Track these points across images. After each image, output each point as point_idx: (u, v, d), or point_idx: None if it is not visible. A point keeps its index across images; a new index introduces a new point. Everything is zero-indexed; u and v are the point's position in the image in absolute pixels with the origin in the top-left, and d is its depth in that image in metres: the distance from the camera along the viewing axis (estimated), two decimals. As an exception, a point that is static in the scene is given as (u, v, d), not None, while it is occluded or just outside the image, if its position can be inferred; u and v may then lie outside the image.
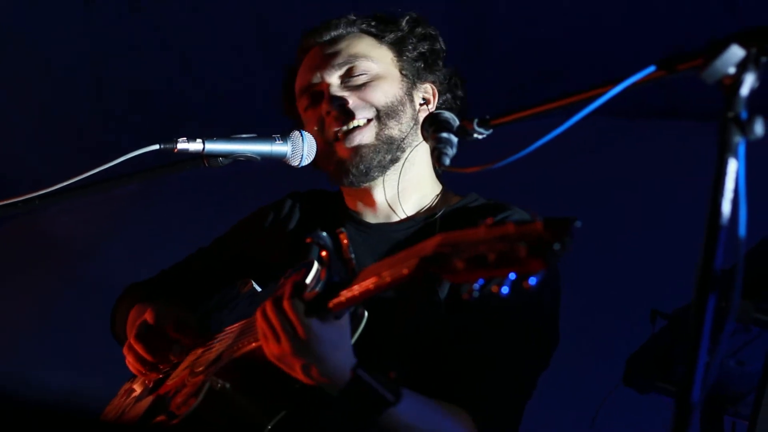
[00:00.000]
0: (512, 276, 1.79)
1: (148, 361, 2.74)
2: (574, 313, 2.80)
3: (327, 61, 2.82)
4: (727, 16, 5.18)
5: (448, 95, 2.90)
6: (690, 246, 1.74)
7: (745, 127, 1.63)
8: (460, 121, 2.22)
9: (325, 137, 2.77)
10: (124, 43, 5.89)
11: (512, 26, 5.63)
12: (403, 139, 2.77)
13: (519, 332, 2.57)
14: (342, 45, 2.85)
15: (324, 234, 2.26)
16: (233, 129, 2.66)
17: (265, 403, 2.40)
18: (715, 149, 1.65)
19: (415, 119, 2.81)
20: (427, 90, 2.88)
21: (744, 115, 1.64)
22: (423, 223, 2.78)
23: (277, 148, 2.68)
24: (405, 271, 2.00)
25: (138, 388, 2.80)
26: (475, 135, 2.16)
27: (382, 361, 2.39)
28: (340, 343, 2.27)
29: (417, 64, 2.86)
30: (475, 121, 2.15)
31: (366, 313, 2.32)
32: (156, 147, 2.49)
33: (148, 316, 2.75)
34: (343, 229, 2.30)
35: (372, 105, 2.76)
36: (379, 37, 2.87)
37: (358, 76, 2.79)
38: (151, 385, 2.74)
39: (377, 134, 2.75)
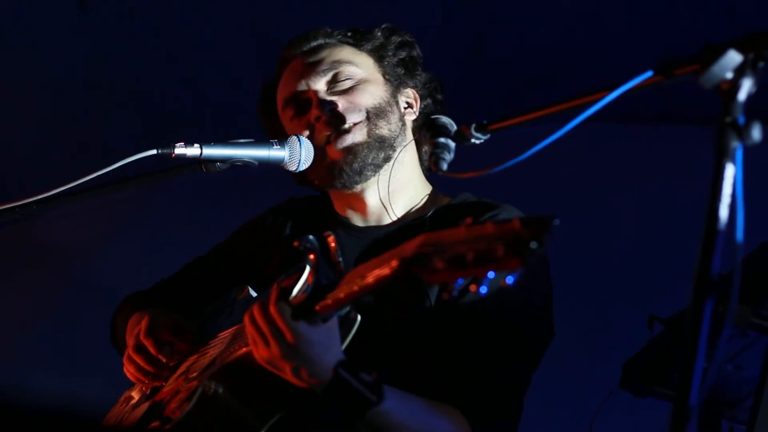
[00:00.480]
0: (491, 275, 1.80)
1: (149, 372, 2.75)
2: (571, 318, 2.80)
3: (311, 68, 2.84)
4: (726, 20, 5.19)
5: (429, 100, 2.93)
6: (687, 251, 1.74)
7: (742, 132, 1.63)
8: (457, 125, 2.22)
9: (316, 143, 2.77)
10: (122, 47, 5.89)
11: (510, 30, 5.63)
12: (394, 138, 2.79)
13: (510, 331, 2.58)
14: (324, 53, 2.87)
15: (311, 237, 2.26)
16: (231, 133, 2.67)
17: (258, 408, 2.40)
18: (712, 154, 1.65)
19: (402, 121, 2.85)
20: (409, 95, 2.91)
21: (741, 120, 1.64)
22: (412, 223, 2.79)
23: (274, 153, 2.68)
24: (387, 271, 2.01)
25: (136, 396, 2.81)
26: (473, 140, 2.17)
27: (374, 363, 2.39)
28: (329, 345, 2.28)
29: (398, 70, 2.90)
30: (473, 125, 2.15)
31: (358, 317, 2.33)
32: (153, 152, 2.49)
33: (143, 326, 2.75)
34: (330, 232, 2.30)
35: (361, 107, 2.79)
36: (358, 45, 2.90)
37: (343, 81, 2.82)
38: (148, 392, 2.75)
39: (369, 133, 2.77)
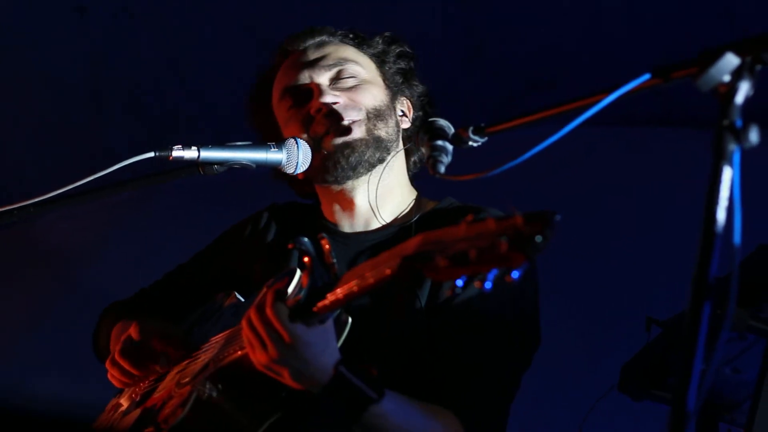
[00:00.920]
0: (495, 271, 1.80)
1: (134, 375, 2.75)
2: (569, 321, 2.80)
3: (316, 62, 2.85)
4: (724, 23, 5.19)
5: (421, 112, 2.94)
6: (685, 253, 1.74)
7: (740, 135, 1.63)
8: (455, 128, 2.22)
9: (312, 134, 2.77)
10: (122, 48, 5.90)
11: (509, 33, 5.63)
12: (390, 142, 2.81)
13: (500, 333, 2.59)
14: (330, 49, 2.89)
15: (306, 240, 2.26)
16: (228, 136, 2.67)
17: (254, 411, 2.40)
18: (710, 157, 1.65)
19: (398, 127, 2.86)
20: (404, 104, 2.93)
21: (739, 123, 1.64)
22: (398, 228, 2.80)
23: (272, 155, 2.68)
24: (387, 271, 2.01)
25: (125, 403, 2.80)
26: (470, 143, 2.17)
27: (366, 362, 2.39)
28: (325, 346, 2.28)
29: (396, 78, 2.92)
30: (470, 128, 2.15)
31: (349, 320, 2.33)
32: (151, 154, 2.49)
33: (133, 332, 2.76)
34: (324, 235, 2.30)
35: (362, 106, 2.80)
36: (360, 47, 2.92)
37: (347, 78, 2.83)
38: (138, 399, 2.74)
39: (367, 132, 2.78)
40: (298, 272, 2.30)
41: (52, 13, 5.68)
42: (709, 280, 1.60)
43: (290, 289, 2.30)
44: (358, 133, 2.76)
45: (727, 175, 1.63)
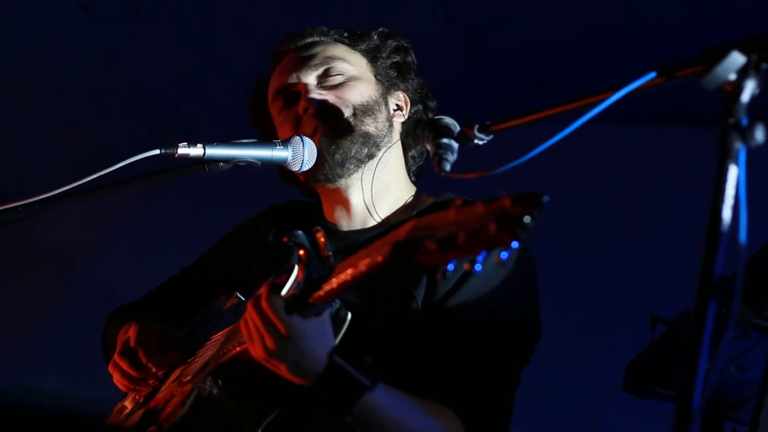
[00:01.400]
0: (484, 253, 1.80)
1: (134, 377, 2.76)
2: (574, 319, 2.80)
3: (303, 62, 2.87)
4: (728, 22, 5.19)
5: (420, 105, 2.95)
6: (690, 252, 1.74)
7: (745, 134, 1.63)
8: (460, 126, 2.22)
9: (301, 134, 2.77)
10: (123, 48, 5.90)
11: (510, 33, 5.63)
12: (381, 137, 2.80)
13: (499, 329, 2.59)
14: (318, 49, 2.90)
15: (300, 233, 2.27)
16: (229, 136, 2.67)
17: (255, 406, 2.41)
18: (715, 155, 1.65)
19: (390, 122, 2.86)
20: (399, 98, 2.93)
21: (744, 121, 1.64)
22: (395, 225, 2.79)
23: (277, 153, 2.69)
24: (379, 258, 2.01)
25: (129, 405, 2.81)
26: (476, 140, 2.17)
27: (361, 352, 2.39)
28: (322, 338, 2.29)
29: (390, 72, 2.92)
30: (476, 126, 2.15)
31: (349, 315, 2.34)
32: (157, 152, 2.50)
33: (132, 334, 2.77)
34: (319, 228, 2.31)
35: (349, 103, 2.80)
36: (352, 45, 2.93)
37: (334, 76, 2.84)
38: (141, 400, 2.75)
39: (354, 128, 2.78)
40: (296, 267, 2.31)
41: (53, 11, 5.68)
42: (714, 279, 1.60)
43: (288, 283, 2.31)
44: (343, 128, 2.77)
45: (733, 173, 1.63)
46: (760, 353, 3.50)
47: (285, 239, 2.28)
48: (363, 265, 2.07)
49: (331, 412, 2.33)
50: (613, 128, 4.76)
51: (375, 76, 2.89)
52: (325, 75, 2.84)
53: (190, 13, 5.75)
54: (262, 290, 2.30)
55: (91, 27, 5.77)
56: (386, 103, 2.88)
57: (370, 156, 2.79)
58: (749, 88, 1.67)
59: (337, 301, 2.31)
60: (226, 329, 2.61)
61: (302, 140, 2.72)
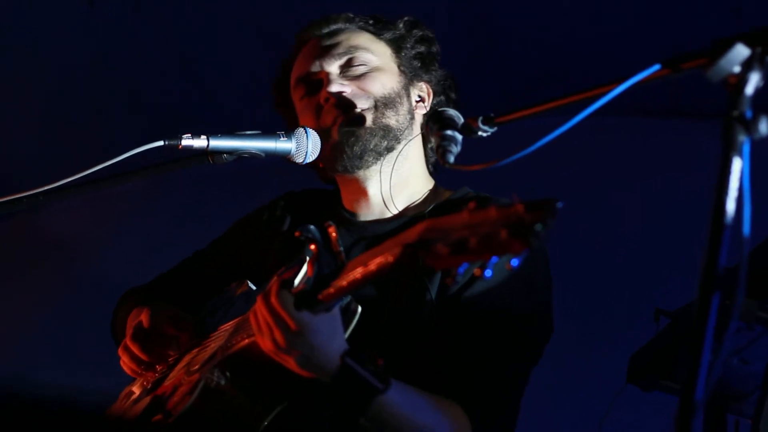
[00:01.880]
0: (494, 259, 1.79)
1: (144, 361, 2.76)
2: (577, 312, 2.80)
3: (327, 51, 2.85)
4: (732, 17, 5.18)
5: (443, 97, 2.93)
6: (694, 244, 1.74)
7: (749, 126, 1.63)
8: (464, 118, 2.22)
9: (321, 124, 2.77)
10: (124, 43, 5.90)
11: (515, 28, 5.63)
12: (401, 130, 2.79)
13: (511, 327, 2.58)
14: (342, 37, 2.87)
15: (312, 227, 2.27)
16: (233, 130, 2.67)
17: (262, 398, 2.41)
18: (719, 147, 1.65)
19: (411, 114, 2.84)
20: (422, 89, 2.91)
21: (749, 114, 1.64)
22: (411, 218, 2.79)
23: (281, 144, 2.68)
24: (390, 258, 2.01)
25: (137, 390, 2.81)
26: (480, 132, 2.17)
27: (373, 352, 2.39)
28: (332, 333, 2.28)
29: (414, 63, 2.89)
30: (480, 118, 2.15)
31: (359, 308, 2.33)
32: (160, 143, 2.49)
33: (144, 318, 2.76)
34: (331, 222, 2.30)
35: (370, 95, 2.79)
36: (377, 34, 2.90)
37: (357, 66, 2.82)
38: (149, 387, 2.75)
39: (374, 120, 2.77)
40: (308, 259, 2.31)
41: (54, 11, 5.68)
42: (717, 271, 1.60)
43: (298, 277, 2.31)
44: (363, 120, 2.76)
45: (737, 166, 1.63)
46: (764, 346, 3.50)
47: (297, 234, 2.27)
48: (373, 264, 2.06)
49: (341, 413, 2.34)
50: (617, 120, 4.76)
51: (398, 67, 2.87)
52: (348, 65, 2.83)
53: (193, 10, 5.75)
54: (272, 285, 2.30)
55: (93, 22, 5.77)
56: (408, 95, 2.86)
57: (390, 149, 2.78)
58: (753, 81, 1.66)
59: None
60: (236, 320, 2.61)
61: (306, 132, 2.71)
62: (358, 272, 2.10)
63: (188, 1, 5.74)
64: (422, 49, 2.91)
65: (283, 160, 2.79)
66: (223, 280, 2.89)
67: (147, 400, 2.69)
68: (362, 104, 2.77)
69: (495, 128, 2.15)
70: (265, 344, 2.31)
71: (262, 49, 5.62)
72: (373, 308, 2.45)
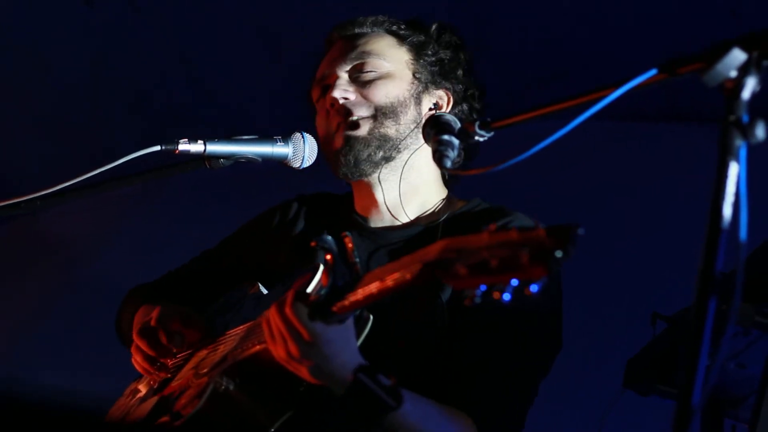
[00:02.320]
0: (514, 282, 1.79)
1: (154, 358, 2.75)
2: (575, 316, 2.80)
3: (342, 54, 2.87)
4: (730, 19, 5.18)
5: (464, 105, 2.90)
6: (691, 249, 1.74)
7: (746, 131, 1.63)
8: (461, 123, 2.22)
9: (328, 128, 2.79)
10: (124, 44, 5.89)
11: (514, 28, 5.63)
12: (400, 140, 2.78)
13: (520, 338, 2.57)
14: (360, 41, 2.88)
15: (329, 238, 2.26)
16: (233, 131, 2.67)
17: (270, 405, 2.41)
18: (716, 151, 1.65)
19: (418, 123, 2.81)
20: (441, 96, 2.88)
21: (745, 118, 1.64)
22: (424, 227, 2.79)
23: (278, 149, 2.68)
24: (408, 276, 2.01)
25: (143, 389, 2.81)
26: (477, 137, 2.17)
27: (385, 363, 2.39)
28: (345, 343, 2.28)
29: (433, 69, 2.87)
30: (477, 123, 2.15)
31: (371, 317, 2.33)
32: (157, 148, 2.49)
33: (154, 315, 2.77)
34: (348, 233, 2.30)
35: (371, 103, 2.79)
36: (401, 38, 2.89)
37: (366, 72, 2.83)
38: (156, 386, 2.75)
39: (370, 130, 2.77)
40: (322, 269, 2.31)
41: (55, 10, 5.68)
42: (714, 276, 1.59)
43: (311, 287, 2.31)
44: (361, 131, 2.76)
45: (734, 170, 1.63)
46: (760, 350, 3.50)
47: (313, 243, 2.27)
48: (390, 280, 2.06)
49: (350, 424, 2.34)
50: (614, 125, 4.77)
51: (413, 74, 2.86)
52: (358, 69, 2.83)
53: (194, 10, 5.74)
54: (287, 295, 2.29)
55: (92, 23, 5.77)
56: (419, 103, 2.84)
57: (387, 159, 2.78)
58: (750, 85, 1.66)
59: None
60: (247, 324, 2.61)
61: (303, 136, 2.72)
62: (374, 287, 2.10)
63: (188, 1, 5.74)
64: (446, 55, 2.89)
65: (280, 164, 2.79)
66: (231, 280, 2.89)
67: (154, 400, 2.69)
68: (361, 112, 2.77)
69: (492, 133, 2.15)
70: (278, 352, 2.31)
71: (262, 49, 5.62)
72: (386, 317, 2.45)
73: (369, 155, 2.75)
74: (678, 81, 1.79)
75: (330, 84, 2.84)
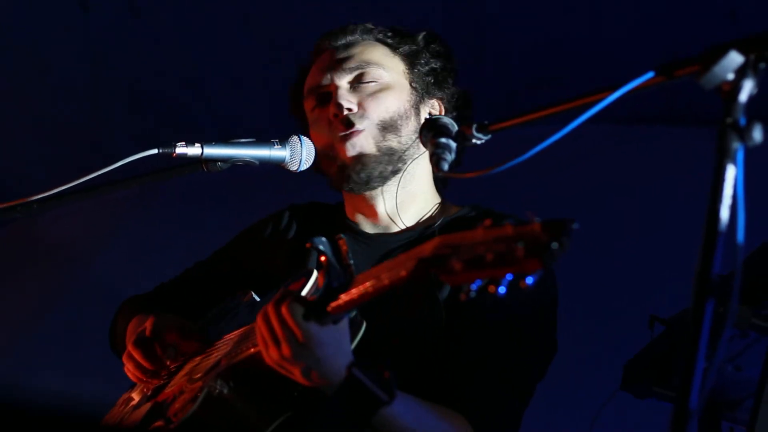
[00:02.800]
0: (509, 276, 1.79)
1: (147, 369, 2.75)
2: (573, 319, 2.80)
3: (339, 64, 2.84)
4: (727, 22, 5.19)
5: (455, 114, 2.90)
6: (688, 252, 1.74)
7: (743, 134, 1.63)
8: (458, 126, 2.22)
9: (331, 139, 2.77)
10: (123, 46, 5.89)
11: (510, 31, 5.63)
12: (404, 150, 2.78)
13: (517, 339, 2.57)
14: (356, 50, 2.86)
15: (323, 239, 2.26)
16: (231, 133, 2.67)
17: (264, 409, 2.40)
18: (713, 154, 1.65)
19: (416, 133, 2.80)
20: (434, 106, 2.89)
21: (743, 121, 1.64)
22: (420, 233, 2.79)
23: (275, 152, 2.68)
24: (403, 273, 2.01)
25: (136, 397, 2.80)
26: (474, 140, 2.16)
27: (379, 360, 2.39)
28: (339, 346, 2.27)
29: (427, 79, 2.87)
30: (474, 126, 2.15)
31: (364, 322, 2.33)
32: (154, 151, 2.49)
33: (148, 325, 2.75)
34: (342, 235, 2.30)
35: (373, 116, 2.77)
36: (393, 47, 2.88)
37: (367, 83, 2.81)
38: (149, 393, 2.75)
39: (377, 145, 2.76)
40: (315, 272, 2.30)
41: (53, 11, 5.68)
42: (711, 278, 1.60)
43: (307, 288, 2.30)
44: (367, 145, 2.75)
45: (731, 173, 1.63)
46: (758, 352, 3.50)
47: (307, 245, 2.27)
48: (385, 278, 2.06)
49: (345, 424, 2.33)
50: (611, 128, 4.77)
51: (410, 84, 2.85)
52: (359, 80, 2.81)
53: (191, 11, 5.74)
54: (282, 295, 2.29)
55: (90, 26, 5.77)
56: (417, 113, 2.84)
57: (395, 172, 2.78)
58: (747, 88, 1.66)
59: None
60: (241, 329, 2.60)
61: (300, 140, 2.71)
62: (369, 285, 2.10)
63: (187, 2, 5.73)
64: (436, 64, 2.89)
65: (277, 167, 2.79)
66: (224, 289, 2.88)
67: (147, 406, 2.68)
68: (364, 124, 2.76)
69: (489, 136, 2.15)
70: (271, 354, 2.30)
71: (262, 50, 5.62)
72: (381, 314, 2.45)
73: (381, 172, 2.75)
74: (675, 84, 1.80)
75: (327, 93, 2.82)
